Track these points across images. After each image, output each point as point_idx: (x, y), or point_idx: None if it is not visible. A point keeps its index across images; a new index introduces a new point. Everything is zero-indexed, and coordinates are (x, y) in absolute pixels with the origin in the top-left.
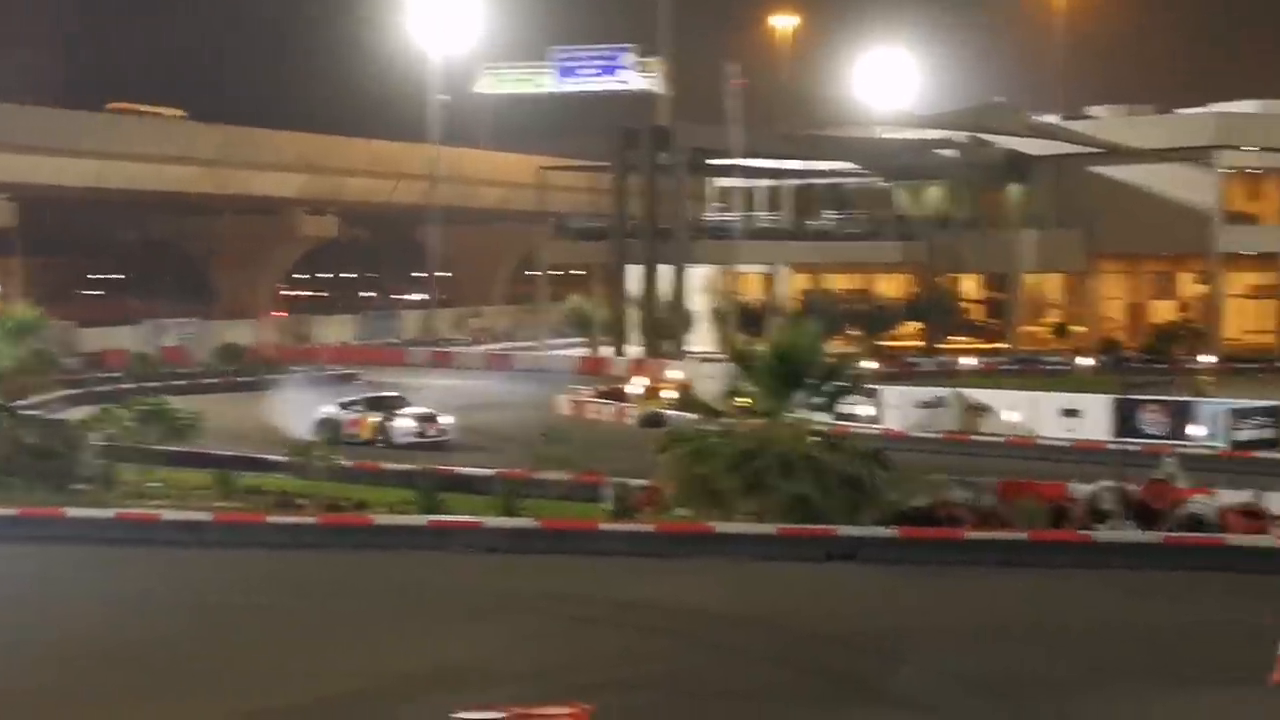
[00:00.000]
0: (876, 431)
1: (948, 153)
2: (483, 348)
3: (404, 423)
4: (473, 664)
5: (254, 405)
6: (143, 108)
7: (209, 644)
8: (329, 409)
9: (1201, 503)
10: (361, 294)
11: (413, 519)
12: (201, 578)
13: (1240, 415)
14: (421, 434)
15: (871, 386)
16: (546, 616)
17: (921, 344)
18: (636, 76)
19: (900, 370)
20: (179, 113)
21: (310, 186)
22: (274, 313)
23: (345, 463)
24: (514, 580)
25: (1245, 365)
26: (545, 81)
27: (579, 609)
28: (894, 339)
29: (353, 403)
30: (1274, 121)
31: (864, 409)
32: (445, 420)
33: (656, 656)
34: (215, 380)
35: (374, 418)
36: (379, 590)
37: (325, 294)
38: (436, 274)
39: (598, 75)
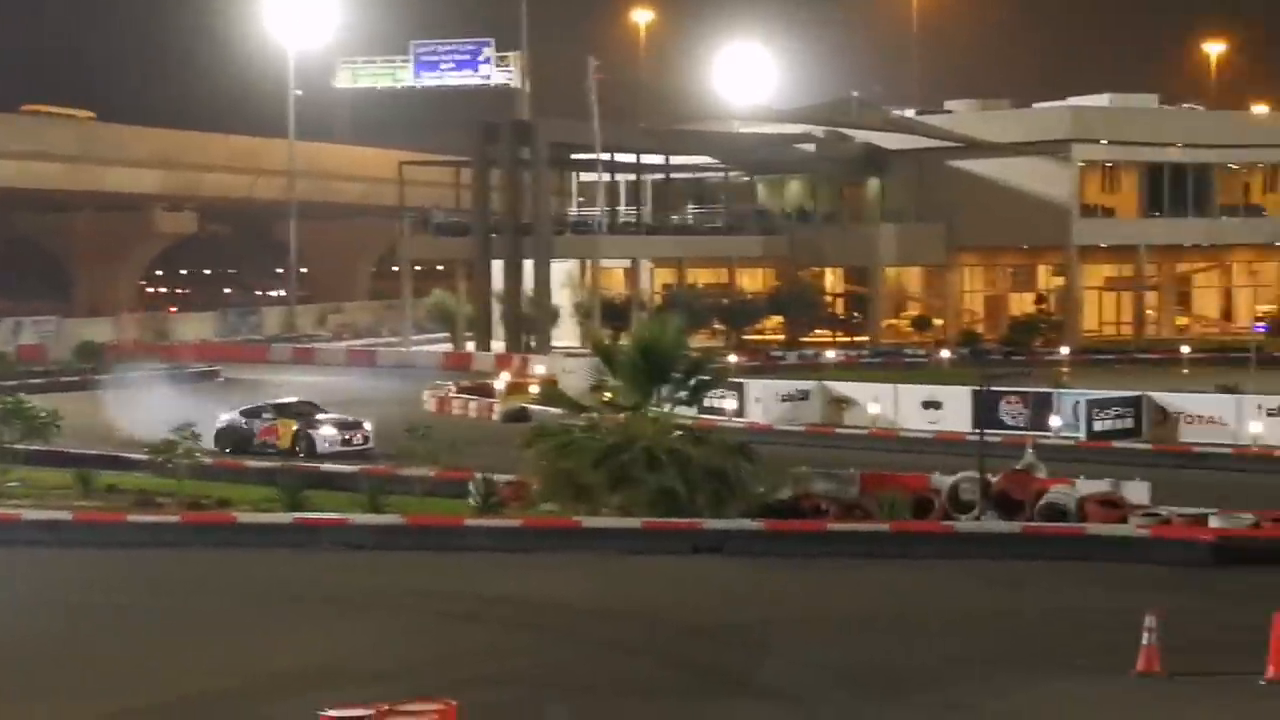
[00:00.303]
0: (741, 425)
1: (807, 147)
2: (345, 344)
3: (328, 430)
4: (340, 661)
5: (113, 404)
6: (54, 109)
7: (70, 644)
8: (229, 416)
9: (1061, 493)
10: (224, 290)
11: (277, 516)
12: (62, 577)
13: (1098, 406)
14: (347, 442)
15: (735, 380)
16: (413, 613)
17: (784, 337)
18: (496, 71)
19: (764, 364)
20: (89, 114)
21: (168, 182)
22: (132, 310)
23: (206, 460)
24: (380, 577)
25: (1102, 356)
26: (403, 76)
27: (445, 605)
28: (757, 333)
29: (257, 410)
30: (1128, 115)
31: (728, 403)
32: (368, 427)
33: (523, 652)
34: (73, 378)
35: (291, 426)
36: (243, 588)
37: (185, 291)
38: (298, 270)
39: (457, 69)
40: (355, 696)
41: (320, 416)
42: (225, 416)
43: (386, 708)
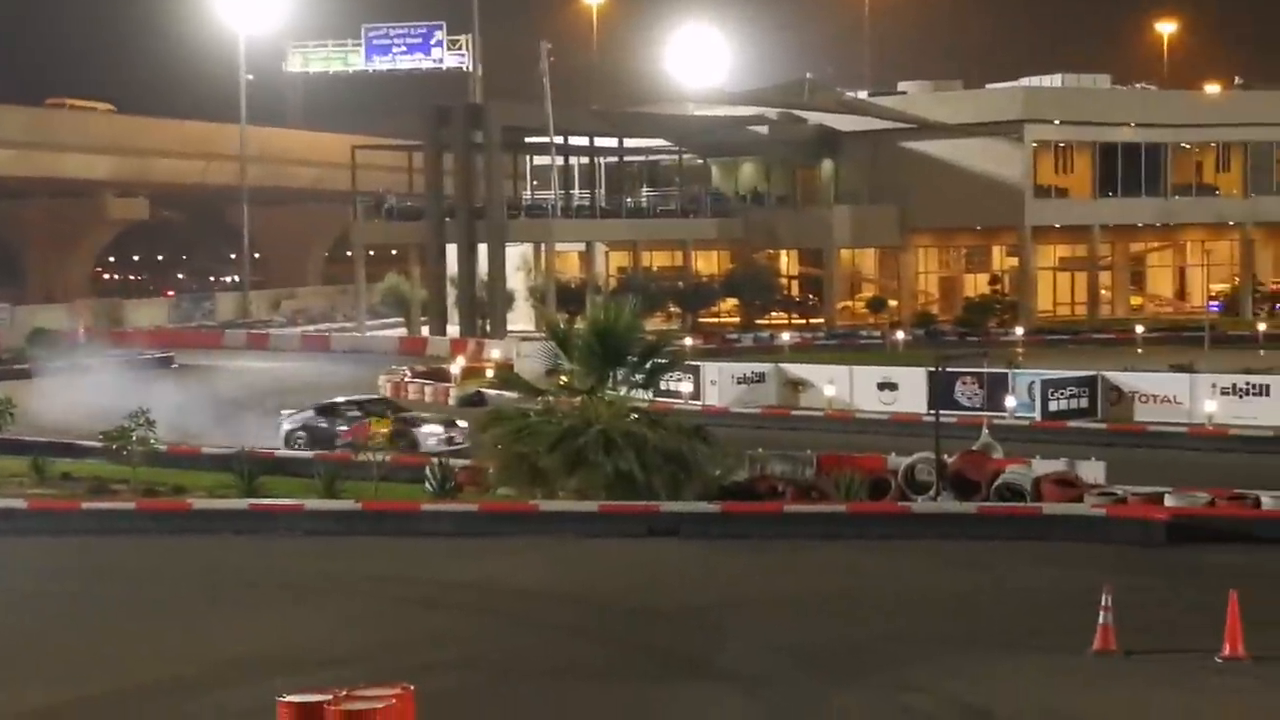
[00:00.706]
0: (697, 407)
1: (760, 129)
2: (299, 329)
3: (433, 428)
4: (296, 647)
5: (67, 391)
6: (74, 102)
7: (24, 633)
8: (303, 416)
9: (1016, 473)
10: (177, 276)
11: (232, 503)
12: (16, 566)
13: (1053, 386)
14: (450, 440)
15: (691, 363)
16: (370, 598)
17: (740, 320)
18: (448, 54)
19: (719, 346)
20: (109, 106)
21: (119, 168)
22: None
23: (161, 447)
24: (336, 563)
25: (1057, 337)
26: (355, 60)
27: (402, 590)
28: (712, 315)
29: (334, 407)
30: (1081, 95)
31: (684, 385)
32: (462, 425)
33: (480, 636)
34: (25, 366)
35: (386, 424)
36: (199, 575)
37: (139, 277)
38: (251, 255)
39: (409, 53)
40: (312, 682)
41: (411, 415)
42: (298, 416)
43: (344, 693)
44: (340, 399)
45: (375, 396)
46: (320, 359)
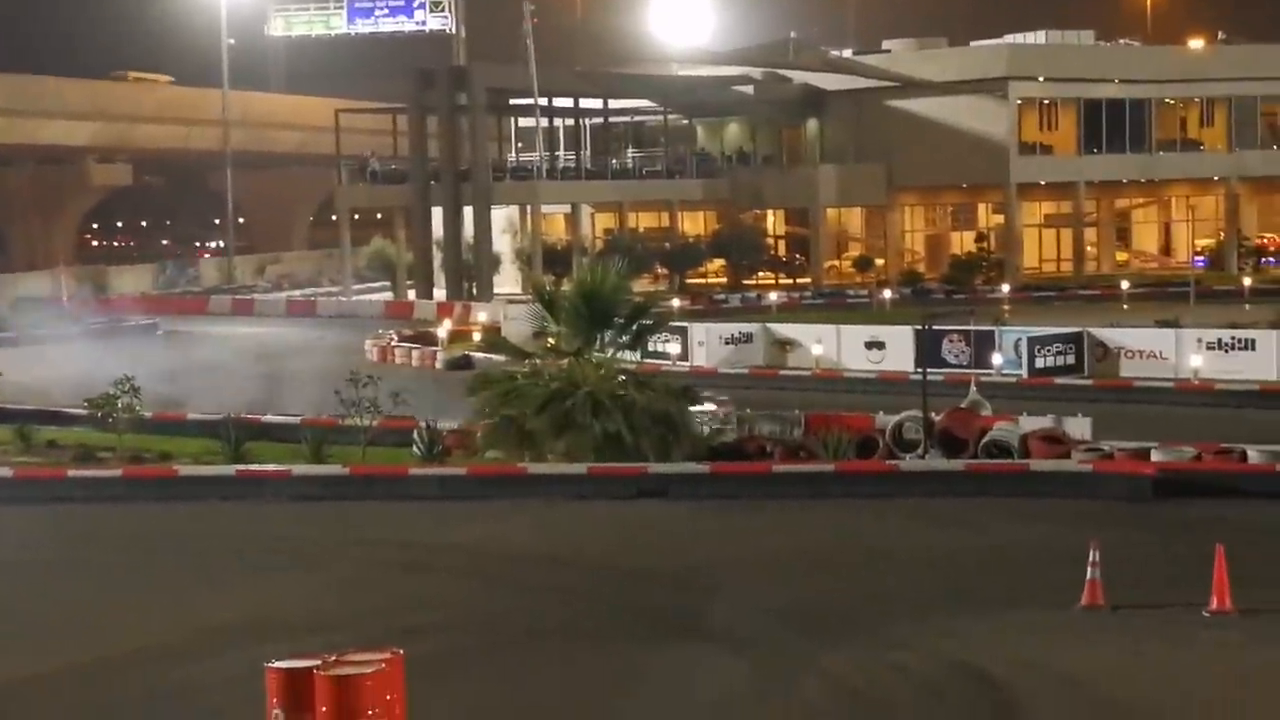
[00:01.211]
0: (685, 368)
1: (745, 89)
2: (284, 294)
3: (709, 406)
4: (284, 613)
5: (51, 358)
6: (136, 74)
7: (9, 601)
8: None
9: (1004, 430)
10: (162, 242)
11: (219, 469)
12: (2, 534)
13: (1039, 343)
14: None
15: (678, 324)
16: (358, 563)
17: (726, 280)
18: (431, 16)
19: (706, 307)
20: (167, 78)
21: (101, 134)
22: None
23: (146, 414)
24: (324, 528)
25: (1043, 293)
26: (337, 23)
27: (391, 555)
28: (699, 276)
29: None
30: (1065, 51)
31: (672, 347)
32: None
33: (469, 600)
34: (9, 334)
35: None
36: (186, 542)
37: (127, 243)
38: (235, 221)
39: (391, 16)
40: (301, 648)
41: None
42: None
43: (333, 658)
44: None
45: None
46: (306, 324)
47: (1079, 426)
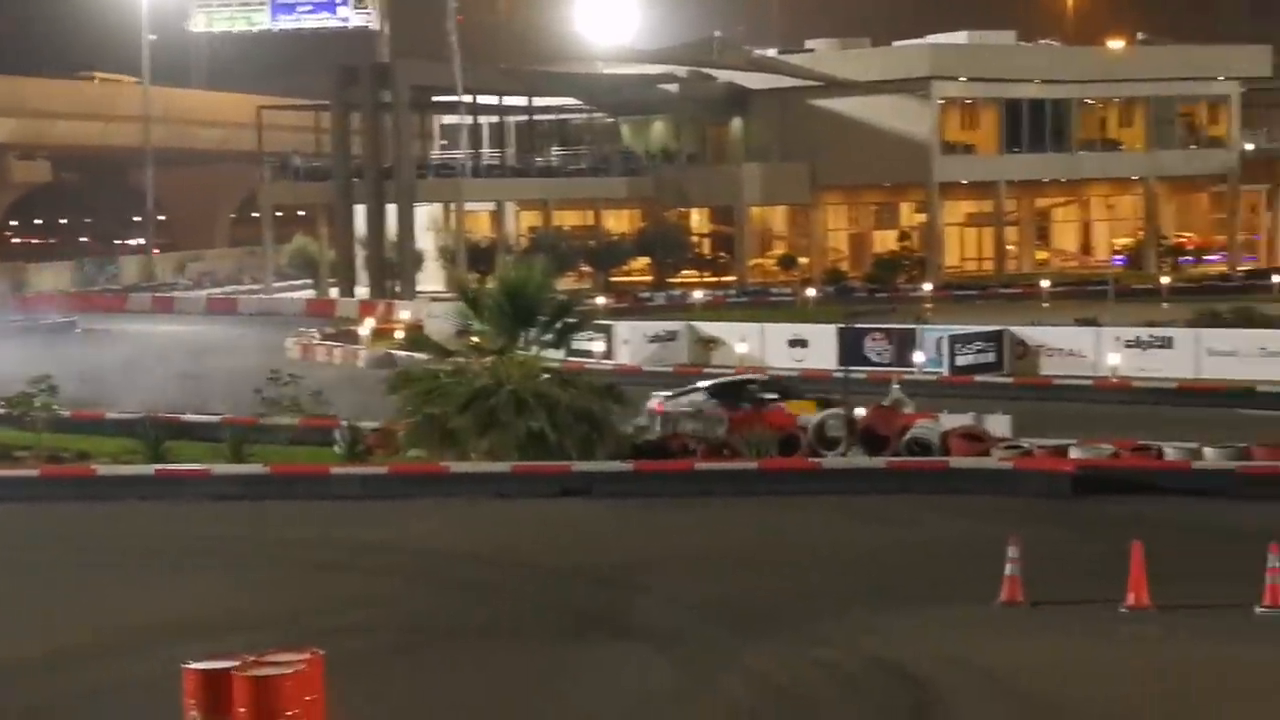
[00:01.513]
0: (609, 366)
1: (670, 87)
2: (205, 292)
3: (861, 412)
4: (204, 613)
5: None
6: (102, 75)
7: None
8: (695, 399)
9: (925, 427)
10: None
11: (138, 468)
12: None
13: (960, 341)
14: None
15: (603, 322)
16: (279, 563)
17: (651, 279)
18: (354, 13)
19: (631, 305)
20: (132, 79)
21: (19, 130)
22: None
23: (64, 413)
24: (245, 527)
25: (964, 292)
26: (259, 19)
27: (312, 554)
28: (624, 274)
29: (736, 388)
30: (986, 52)
31: (596, 345)
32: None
33: (392, 598)
34: None
35: (809, 408)
36: (105, 542)
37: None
38: (156, 218)
39: (314, 12)
40: (220, 648)
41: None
42: (686, 399)
43: (252, 659)
44: (737, 376)
45: (769, 376)
46: (227, 322)
47: (999, 424)
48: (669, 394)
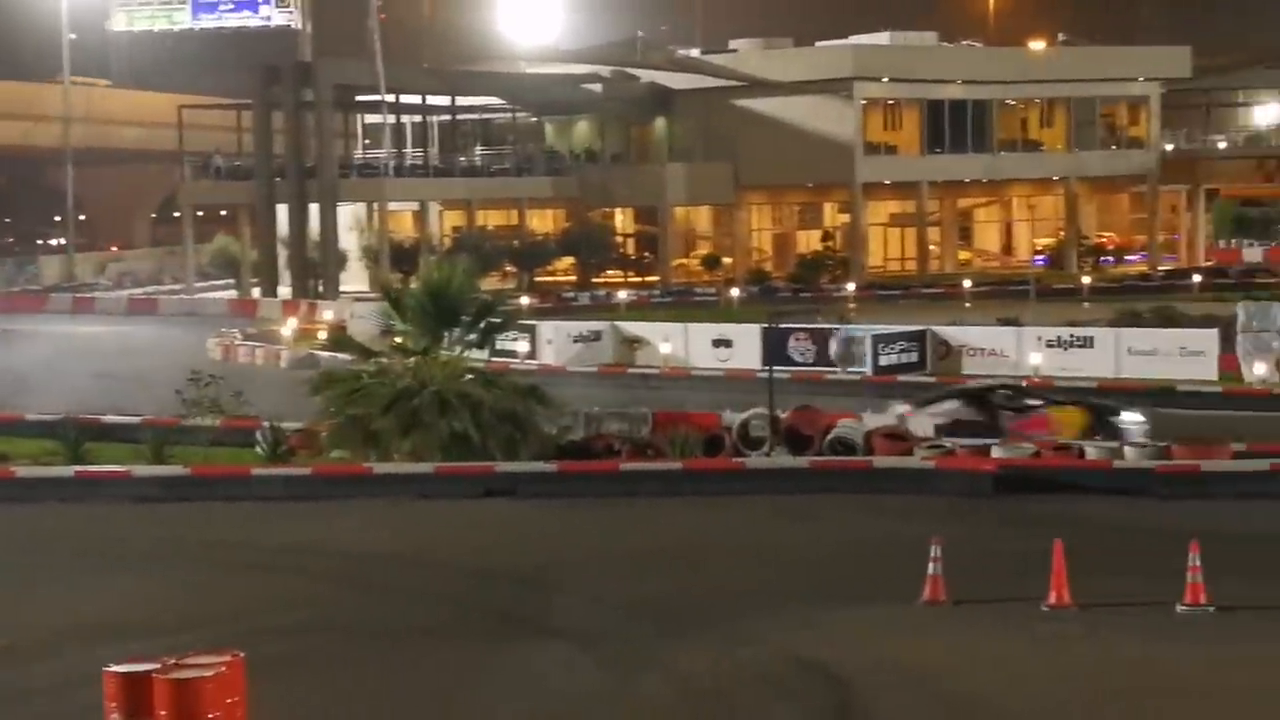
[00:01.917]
0: (534, 366)
1: (594, 88)
2: (126, 292)
3: (1133, 416)
4: (125, 616)
5: None
6: (75, 79)
7: None
8: (948, 406)
9: (848, 427)
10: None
11: (58, 470)
12: None
13: (883, 341)
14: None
15: (527, 322)
16: (201, 564)
17: (576, 279)
18: (277, 12)
19: (555, 305)
20: (105, 82)
21: None
22: None
23: None
24: (167, 529)
25: (887, 292)
26: (181, 18)
27: (234, 555)
28: (548, 274)
29: (986, 395)
30: (908, 53)
31: (520, 345)
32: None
33: (314, 600)
34: None
35: (1078, 414)
36: (24, 544)
37: None
38: (77, 218)
39: (236, 11)
40: (141, 650)
41: (1105, 402)
42: (939, 408)
43: (173, 661)
44: (989, 383)
45: (1009, 382)
46: (148, 322)
47: (922, 424)
48: (917, 402)
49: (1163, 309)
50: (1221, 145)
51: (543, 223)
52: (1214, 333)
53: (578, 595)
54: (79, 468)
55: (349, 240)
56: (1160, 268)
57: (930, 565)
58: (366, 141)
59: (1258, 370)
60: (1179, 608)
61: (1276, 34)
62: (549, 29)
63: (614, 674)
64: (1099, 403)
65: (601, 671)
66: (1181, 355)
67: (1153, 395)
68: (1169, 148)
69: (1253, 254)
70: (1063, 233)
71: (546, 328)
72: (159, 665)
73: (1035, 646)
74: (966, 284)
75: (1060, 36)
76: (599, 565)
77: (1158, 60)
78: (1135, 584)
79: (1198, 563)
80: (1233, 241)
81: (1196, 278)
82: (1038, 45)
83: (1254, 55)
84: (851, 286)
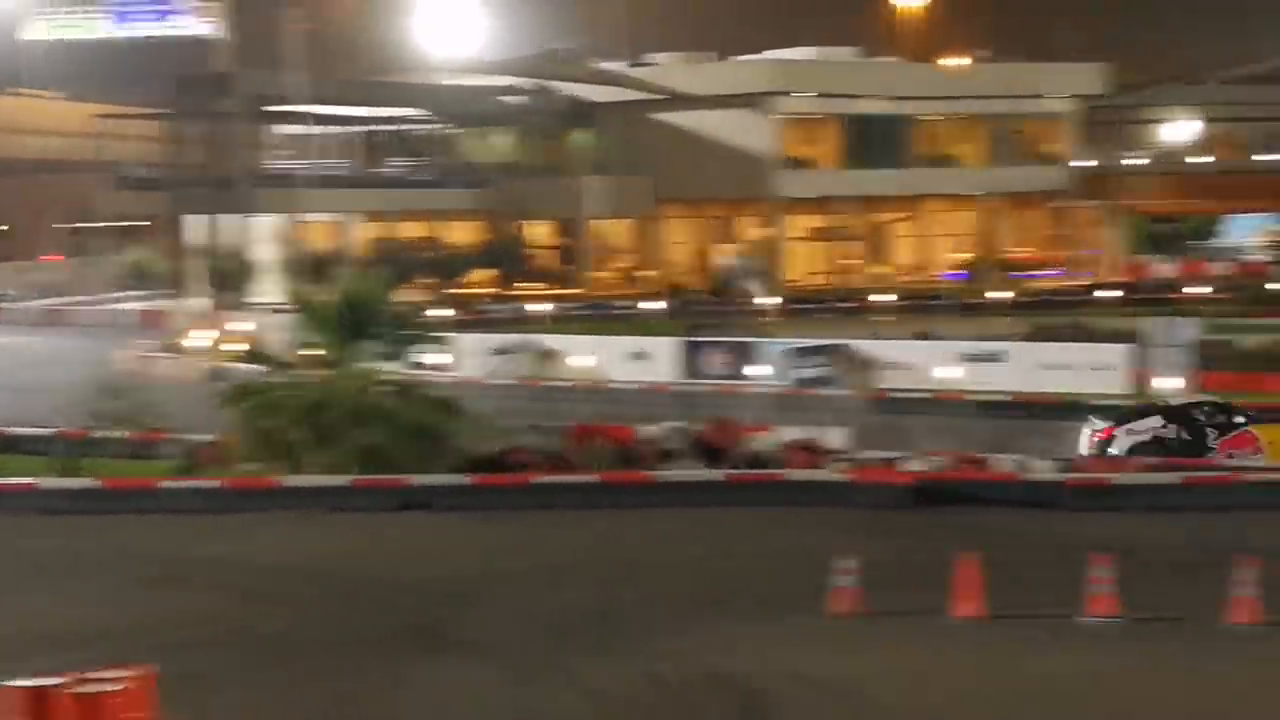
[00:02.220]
0: (450, 379)
1: (514, 100)
2: (37, 303)
3: None
4: (32, 630)
5: None
6: (24, 91)
7: None
8: (1149, 424)
9: (762, 440)
10: None
11: None
12: None
13: (801, 354)
14: None
15: (444, 334)
16: (110, 577)
17: (494, 291)
18: (196, 21)
19: (472, 317)
20: (58, 94)
21: None
22: None
23: None
24: (75, 541)
25: (805, 306)
26: (100, 27)
27: (144, 569)
28: (467, 286)
29: (1189, 413)
30: (828, 68)
31: (437, 357)
32: None
33: (225, 614)
34: None
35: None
36: None
37: None
38: None
39: (155, 20)
40: (47, 665)
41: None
42: (1140, 424)
43: (79, 676)
44: (1194, 399)
45: (1211, 398)
46: (59, 334)
47: (836, 437)
48: (1114, 420)
49: (1075, 324)
50: (1137, 162)
51: (461, 235)
52: (1123, 348)
53: (493, 609)
54: None
55: (264, 251)
56: (1075, 283)
57: (842, 578)
58: (283, 152)
59: (1164, 384)
60: (1081, 619)
61: (1192, 51)
62: (471, 41)
63: (528, 689)
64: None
65: (516, 687)
66: (1092, 370)
67: (1065, 409)
68: (1086, 164)
69: (1165, 269)
70: (979, 248)
71: (464, 340)
72: (64, 680)
73: (945, 658)
74: (883, 299)
75: (978, 54)
76: (513, 579)
77: (1074, 77)
78: (1043, 595)
79: (1100, 574)
80: (1144, 257)
81: (1109, 293)
82: (956, 62)
83: (1170, 72)
84: (769, 300)
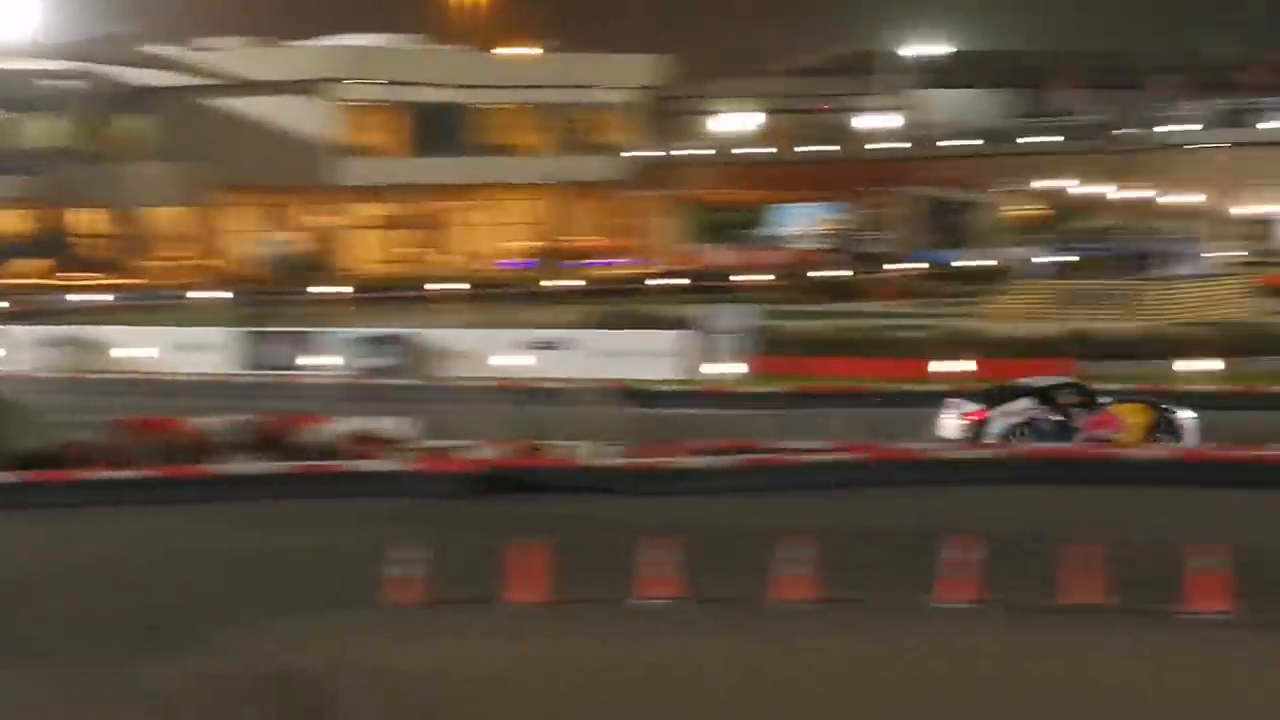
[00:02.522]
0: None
1: (68, 84)
2: None
3: (1188, 413)
4: None
5: None
6: None
7: None
8: (1022, 405)
9: (324, 430)
10: None
11: None
12: None
13: (366, 343)
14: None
15: None
16: None
17: (46, 281)
18: None
19: (22, 309)
20: None
21: None
22: None
23: None
24: None
25: (369, 295)
26: None
27: None
28: (15, 276)
29: (1052, 394)
30: (391, 55)
31: None
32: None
33: None
34: None
35: (1143, 414)
36: None
37: None
38: None
39: None
40: None
41: (1163, 401)
42: (1012, 407)
43: None
44: (1055, 380)
45: (1070, 380)
46: None
47: (400, 426)
48: (981, 402)
49: (633, 312)
50: (695, 152)
51: (11, 223)
52: (675, 334)
53: (38, 609)
54: None
55: None
56: (637, 271)
57: (403, 568)
58: None
59: (711, 369)
60: (629, 601)
61: (755, 42)
62: (25, 23)
63: (79, 694)
64: (1156, 401)
65: (66, 692)
66: (648, 356)
67: (627, 396)
68: (645, 154)
69: (723, 257)
70: (542, 237)
71: (14, 331)
72: None
73: (514, 647)
74: (446, 287)
75: (547, 44)
76: (63, 579)
77: (631, 69)
78: (605, 580)
79: (658, 557)
80: (703, 246)
81: (671, 281)
82: (521, 51)
83: (731, 65)
84: (331, 289)
